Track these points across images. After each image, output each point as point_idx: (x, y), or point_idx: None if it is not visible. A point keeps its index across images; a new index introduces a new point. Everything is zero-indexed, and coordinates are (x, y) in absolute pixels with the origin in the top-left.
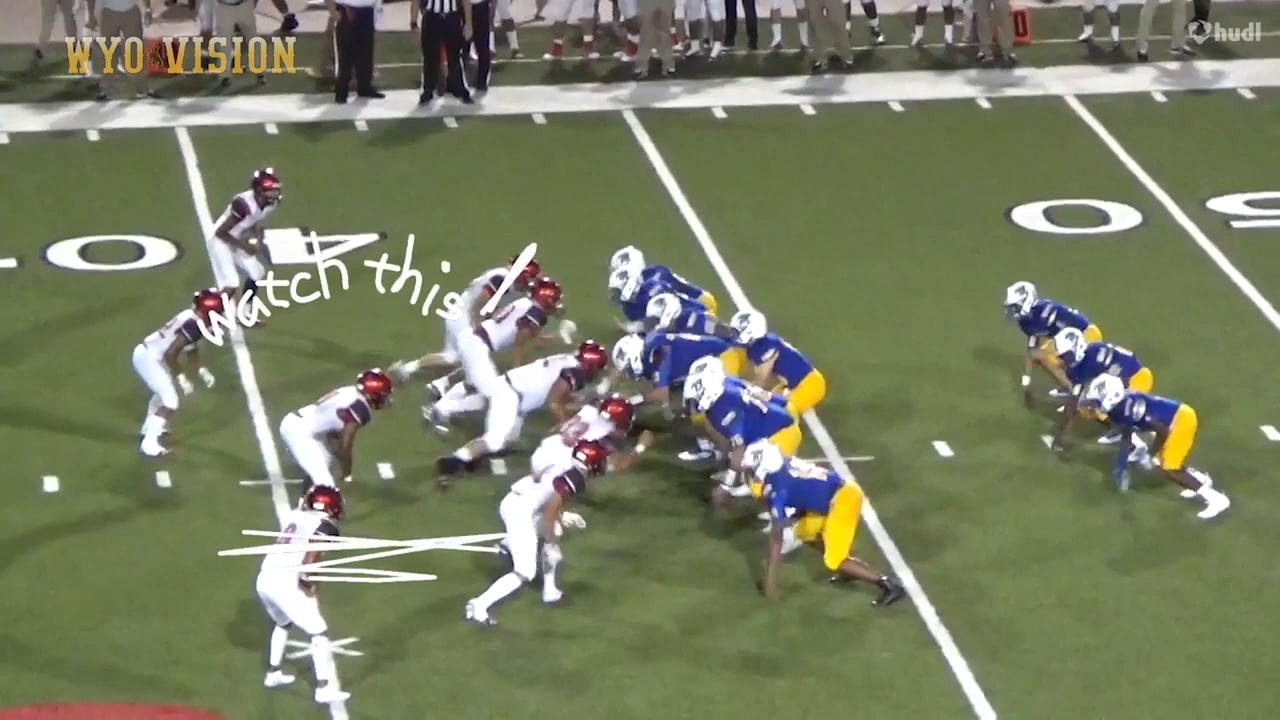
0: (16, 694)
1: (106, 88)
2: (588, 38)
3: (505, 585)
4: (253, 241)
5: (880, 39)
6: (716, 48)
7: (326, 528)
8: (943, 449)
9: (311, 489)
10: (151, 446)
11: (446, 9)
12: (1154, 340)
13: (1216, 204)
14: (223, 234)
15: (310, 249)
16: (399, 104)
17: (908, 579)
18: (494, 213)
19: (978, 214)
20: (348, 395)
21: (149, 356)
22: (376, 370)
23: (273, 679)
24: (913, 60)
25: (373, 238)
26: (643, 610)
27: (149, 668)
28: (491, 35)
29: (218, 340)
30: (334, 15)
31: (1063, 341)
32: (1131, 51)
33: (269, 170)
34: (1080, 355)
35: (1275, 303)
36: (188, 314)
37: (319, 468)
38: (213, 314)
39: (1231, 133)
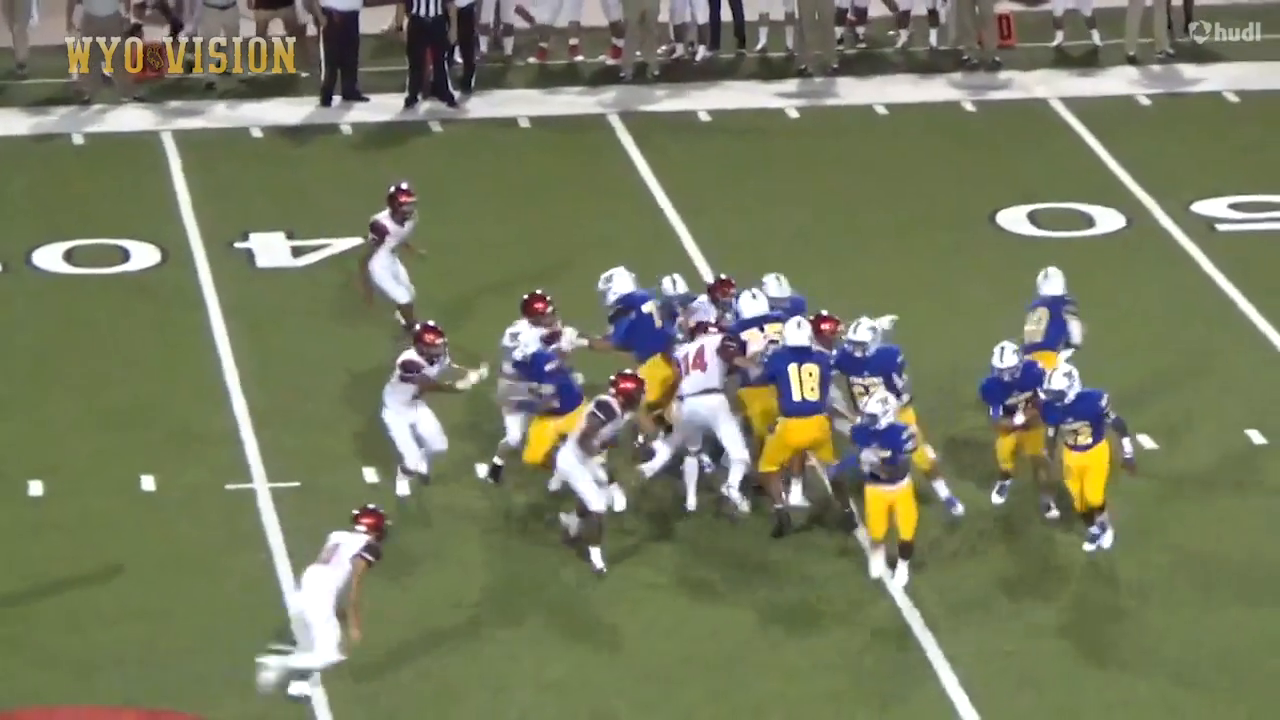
0: None
1: (90, 91)
2: (573, 41)
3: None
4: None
5: (863, 45)
6: (701, 51)
7: (370, 548)
8: (925, 450)
9: (356, 510)
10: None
11: (432, 13)
12: (1138, 343)
13: (1201, 207)
14: (365, 261)
15: (295, 253)
16: (384, 108)
17: (889, 582)
18: (479, 216)
19: (962, 217)
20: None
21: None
22: (628, 371)
23: (296, 688)
24: (897, 63)
25: (358, 241)
26: (627, 615)
27: (134, 672)
28: (485, 39)
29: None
30: (320, 19)
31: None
32: (1118, 55)
33: (404, 185)
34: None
35: (1259, 306)
36: (408, 354)
37: (592, 487)
38: (431, 346)
39: (1215, 136)
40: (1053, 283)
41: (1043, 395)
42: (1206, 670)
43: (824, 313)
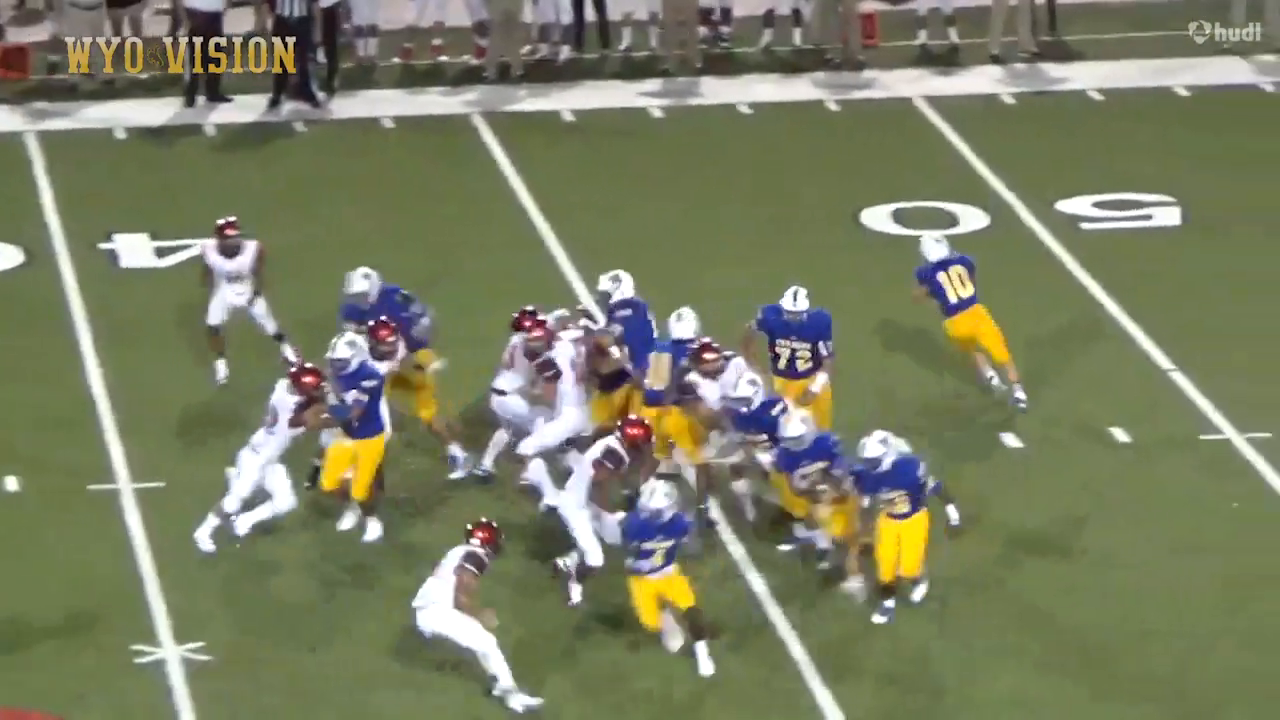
0: None
1: None
2: (437, 41)
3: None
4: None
5: (727, 44)
6: (565, 51)
7: (472, 558)
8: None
9: (470, 524)
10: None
11: (296, 13)
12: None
13: (1065, 205)
14: (204, 281)
15: (159, 253)
16: (247, 108)
17: (759, 587)
18: (342, 216)
19: (826, 216)
20: (599, 447)
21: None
22: (634, 417)
23: (516, 701)
24: (761, 63)
25: None
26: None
27: None
28: (362, 42)
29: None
30: (183, 20)
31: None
32: (981, 54)
33: (231, 219)
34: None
35: (1123, 304)
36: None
37: (592, 540)
38: (312, 388)
39: (1080, 134)
40: (944, 244)
41: (858, 464)
42: (1065, 670)
43: (708, 340)
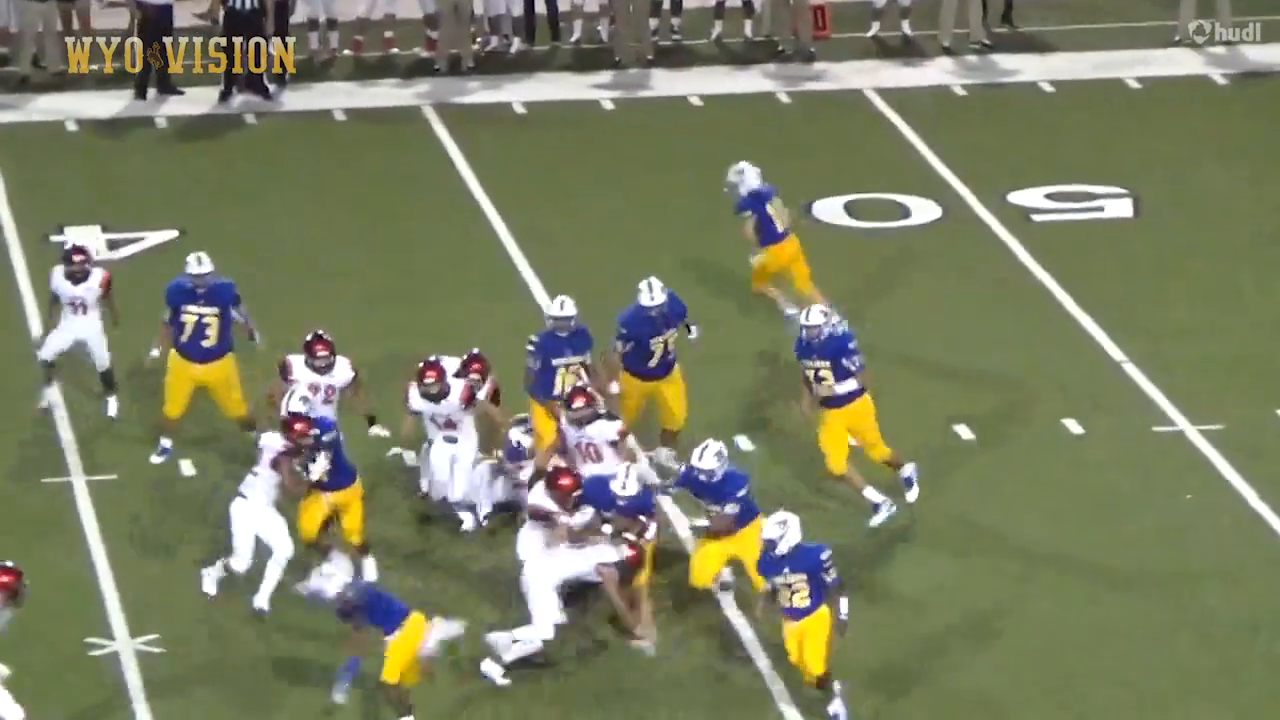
0: None
1: None
2: (388, 33)
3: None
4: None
5: (678, 36)
6: (516, 43)
7: (620, 566)
8: (743, 443)
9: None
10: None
11: (247, 5)
12: (955, 334)
13: (1017, 197)
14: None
15: (110, 245)
16: (199, 100)
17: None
18: (294, 210)
19: None
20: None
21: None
22: (563, 466)
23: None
24: (712, 54)
25: (172, 234)
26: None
27: None
28: (314, 35)
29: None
30: (134, 13)
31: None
32: (933, 46)
33: (80, 245)
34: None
35: (1075, 296)
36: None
37: (545, 611)
38: (302, 435)
39: (1031, 126)
40: (757, 170)
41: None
42: (1022, 668)
43: (584, 387)
